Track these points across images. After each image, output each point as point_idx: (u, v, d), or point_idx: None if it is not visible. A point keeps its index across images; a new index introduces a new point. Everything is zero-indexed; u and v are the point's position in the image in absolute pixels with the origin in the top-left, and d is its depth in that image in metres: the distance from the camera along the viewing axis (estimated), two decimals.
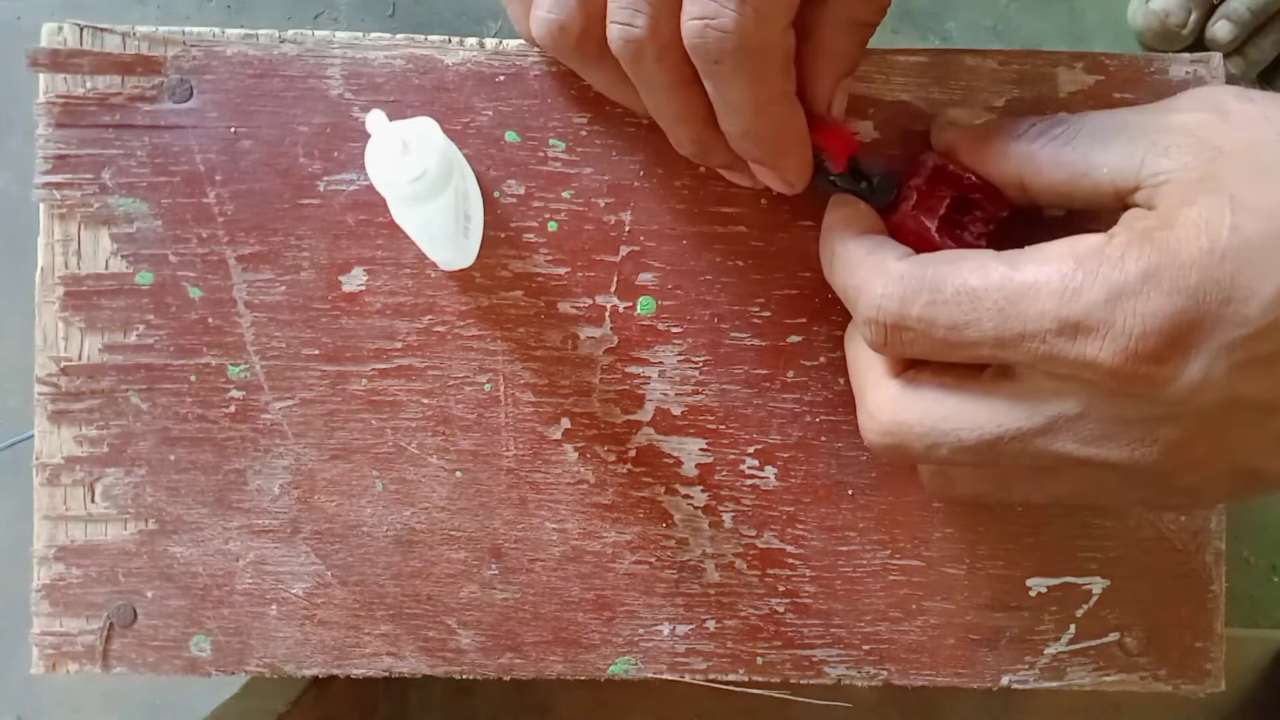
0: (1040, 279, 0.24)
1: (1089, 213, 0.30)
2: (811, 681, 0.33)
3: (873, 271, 0.27)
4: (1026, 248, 0.26)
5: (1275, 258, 0.22)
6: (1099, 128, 0.27)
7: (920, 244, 0.30)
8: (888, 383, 0.28)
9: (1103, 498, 0.28)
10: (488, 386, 0.33)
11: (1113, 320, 0.23)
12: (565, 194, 0.33)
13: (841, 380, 0.33)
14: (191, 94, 0.32)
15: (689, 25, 0.26)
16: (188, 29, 0.33)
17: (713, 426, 0.33)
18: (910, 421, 0.27)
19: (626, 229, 0.33)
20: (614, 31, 0.27)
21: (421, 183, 0.26)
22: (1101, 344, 0.23)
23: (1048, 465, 0.26)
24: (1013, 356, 0.25)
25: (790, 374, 0.33)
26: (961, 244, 0.30)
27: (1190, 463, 0.25)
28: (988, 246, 0.29)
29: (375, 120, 0.25)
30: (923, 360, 0.28)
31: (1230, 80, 0.34)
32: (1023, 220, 0.30)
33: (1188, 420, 0.24)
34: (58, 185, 0.32)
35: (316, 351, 0.33)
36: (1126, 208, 0.26)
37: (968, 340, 0.25)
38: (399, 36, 0.33)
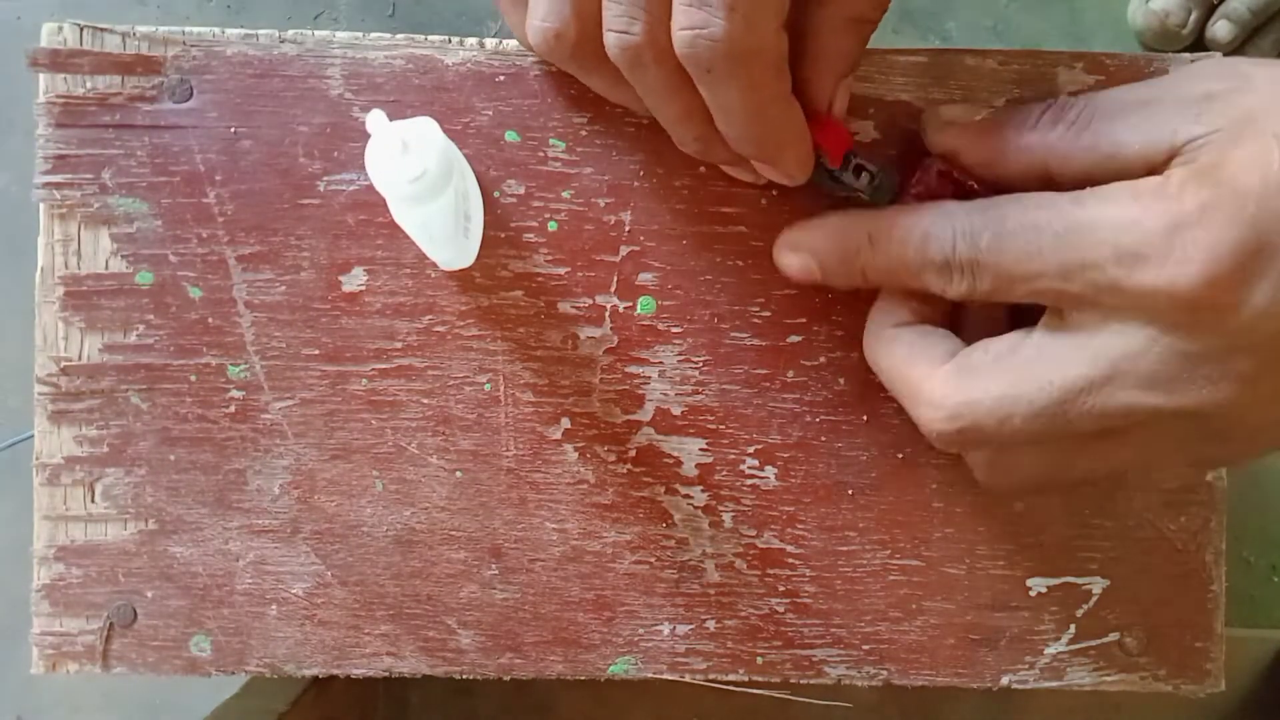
0: (1101, 212, 0.25)
1: None
2: (811, 681, 0.33)
3: (934, 219, 0.28)
4: (1088, 188, 0.26)
5: None
6: (1115, 106, 0.28)
7: None
8: (940, 370, 0.28)
9: (1166, 457, 0.28)
10: (488, 386, 0.33)
11: (1171, 249, 0.24)
12: (565, 194, 0.33)
13: (842, 380, 0.33)
14: (191, 94, 0.32)
15: (679, 36, 0.26)
16: (188, 29, 0.33)
17: (713, 426, 0.33)
18: (977, 398, 0.27)
19: (626, 229, 0.33)
20: (611, 39, 0.27)
21: (421, 183, 0.26)
22: (1160, 271, 0.24)
23: (1115, 426, 0.27)
24: (1073, 287, 0.26)
25: (790, 374, 0.33)
26: None
27: (1259, 399, 0.25)
28: None
29: (375, 120, 0.25)
30: (969, 341, 0.29)
31: None
32: None
33: (1255, 352, 0.25)
34: (58, 185, 0.32)
35: (316, 351, 0.33)
36: None
37: (1032, 271, 0.26)
38: (399, 36, 0.33)
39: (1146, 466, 0.29)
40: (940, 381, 0.28)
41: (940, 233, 0.27)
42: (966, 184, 0.30)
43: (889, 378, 0.30)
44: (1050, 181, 0.29)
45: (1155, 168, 0.26)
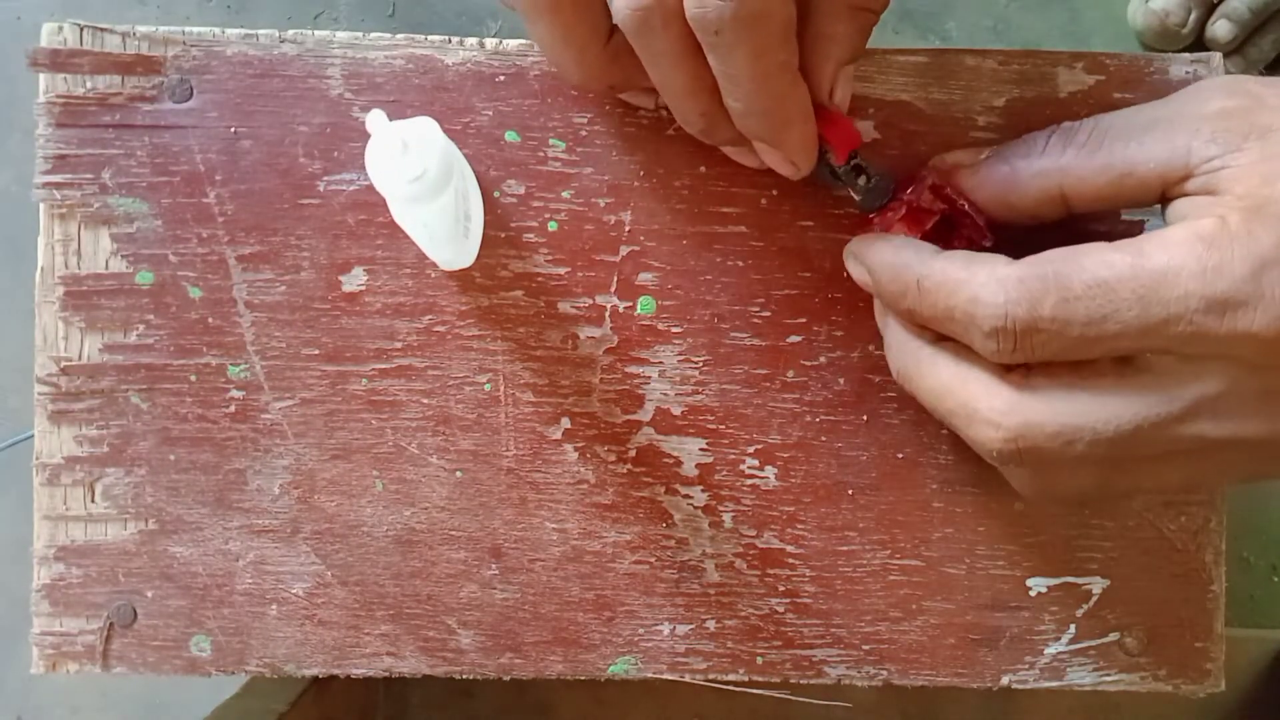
0: (1175, 263, 0.24)
1: (1087, 216, 0.31)
2: (811, 681, 0.33)
3: (984, 283, 0.26)
4: (1135, 237, 0.26)
5: None
6: (1125, 126, 0.28)
7: None
8: (1000, 389, 0.27)
9: (1218, 478, 0.28)
10: (488, 386, 0.33)
11: (1261, 291, 0.24)
12: (565, 194, 0.33)
13: (841, 380, 0.33)
14: (191, 94, 0.32)
15: None
16: (188, 29, 0.33)
17: (713, 426, 0.33)
18: (1040, 422, 0.26)
19: (626, 229, 0.33)
20: (620, 2, 0.27)
21: (421, 183, 0.26)
22: (1255, 316, 0.24)
23: (1178, 451, 0.26)
24: (1154, 343, 0.25)
25: (790, 374, 0.33)
26: None
27: None
28: None
29: (375, 120, 0.25)
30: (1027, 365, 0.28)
31: None
32: (1011, 237, 0.30)
33: None
34: (58, 185, 0.32)
35: (316, 351, 0.33)
36: (1166, 199, 0.27)
37: (1108, 333, 0.25)
38: (399, 36, 0.33)
39: (1196, 485, 0.29)
40: (1002, 401, 0.27)
41: (990, 298, 0.26)
42: (958, 201, 0.30)
43: (933, 397, 0.29)
44: (1065, 206, 0.28)
45: (1170, 185, 0.26)
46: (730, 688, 0.33)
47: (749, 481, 0.33)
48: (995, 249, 0.29)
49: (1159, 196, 0.27)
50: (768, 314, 0.33)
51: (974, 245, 0.30)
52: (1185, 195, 0.26)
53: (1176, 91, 0.29)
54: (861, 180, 0.31)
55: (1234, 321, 0.24)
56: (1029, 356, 0.26)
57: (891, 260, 0.29)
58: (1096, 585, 0.33)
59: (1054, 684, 0.33)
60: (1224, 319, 0.24)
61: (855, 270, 0.31)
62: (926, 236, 0.30)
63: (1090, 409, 0.26)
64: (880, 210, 0.31)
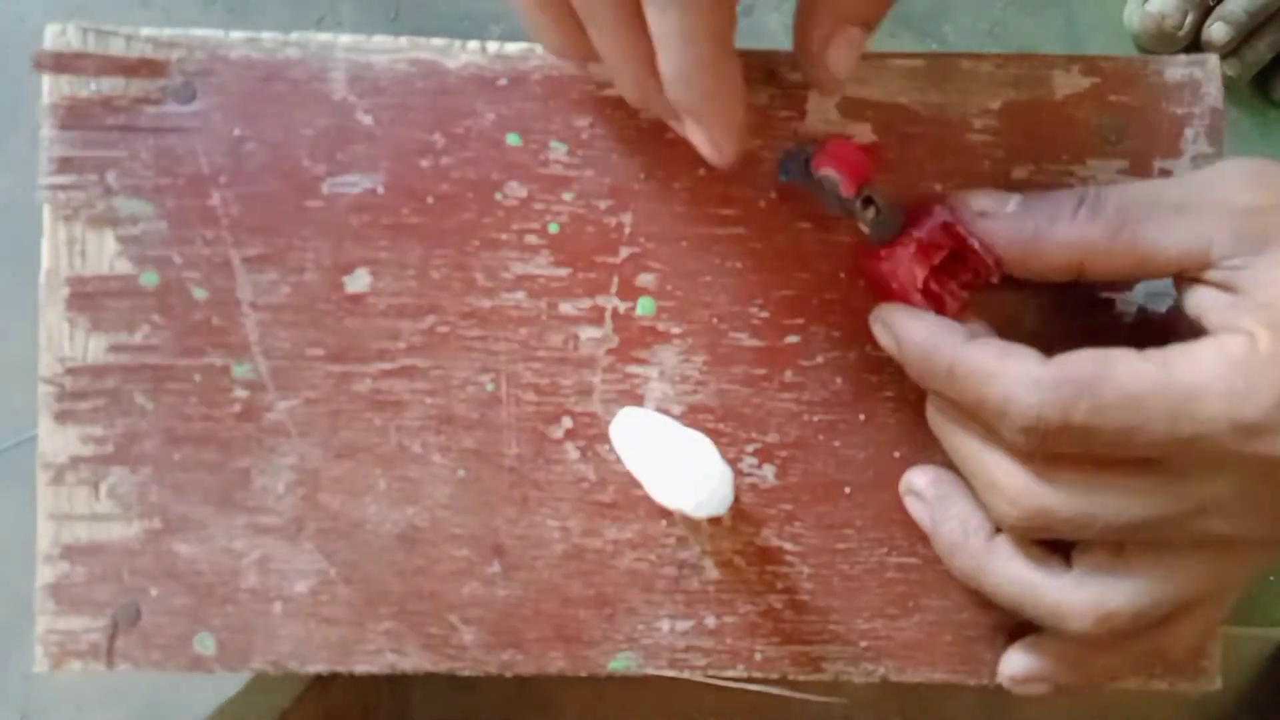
0: (1203, 383, 0.26)
1: None
2: (810, 678, 0.34)
3: (1017, 379, 0.27)
4: (1167, 348, 0.27)
5: None
6: (1152, 206, 0.28)
7: (900, 293, 0.31)
8: (1018, 472, 0.29)
9: (1235, 572, 0.29)
10: (490, 386, 0.33)
11: None
12: (566, 196, 0.33)
13: (839, 379, 0.33)
14: (195, 96, 0.33)
15: None
16: (191, 31, 0.33)
17: (712, 425, 0.33)
18: (1054, 506, 0.28)
19: (627, 231, 0.33)
20: None
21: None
22: (1277, 441, 0.25)
23: (1189, 542, 0.28)
24: (1178, 453, 0.26)
25: (788, 374, 0.33)
26: (942, 296, 0.31)
27: None
28: (967, 303, 0.31)
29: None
30: None
31: (1227, 82, 0.34)
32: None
33: None
34: (62, 186, 0.33)
35: (321, 352, 0.33)
36: (1182, 280, 0.28)
37: (1135, 442, 0.26)
38: (402, 40, 0.33)
39: (1217, 584, 0.31)
40: (1020, 481, 0.29)
41: (1024, 398, 0.27)
42: (968, 240, 0.30)
43: (957, 456, 0.31)
44: (1080, 275, 0.29)
45: (1188, 270, 0.28)
46: (730, 684, 0.34)
47: (747, 480, 0.33)
48: (1000, 284, 0.30)
49: (1176, 277, 0.28)
50: (766, 315, 0.33)
51: (980, 278, 0.30)
52: (1202, 284, 0.27)
53: (1208, 168, 0.29)
54: (870, 212, 0.31)
55: (1257, 445, 0.25)
56: (1053, 451, 0.28)
57: (922, 341, 0.30)
58: None
59: None
60: (1248, 442, 0.25)
61: (883, 337, 0.31)
62: (935, 270, 0.30)
63: (1104, 500, 0.28)
64: (889, 244, 0.31)
